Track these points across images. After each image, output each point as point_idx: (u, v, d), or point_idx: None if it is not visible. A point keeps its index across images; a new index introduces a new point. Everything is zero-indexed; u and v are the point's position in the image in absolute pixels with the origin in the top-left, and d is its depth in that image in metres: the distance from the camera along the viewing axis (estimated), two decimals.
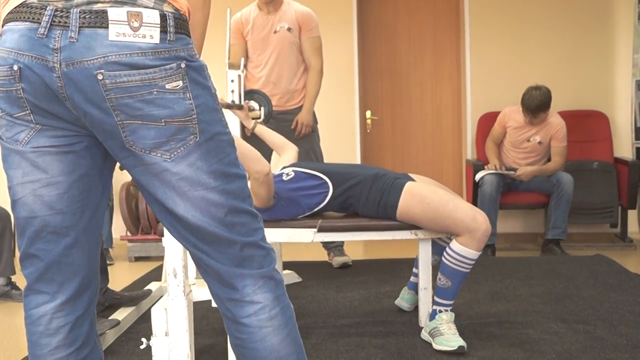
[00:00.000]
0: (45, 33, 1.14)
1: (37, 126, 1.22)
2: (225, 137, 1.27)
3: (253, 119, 3.00)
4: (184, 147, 1.20)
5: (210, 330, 2.71)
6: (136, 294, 3.05)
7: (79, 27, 1.13)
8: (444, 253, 2.45)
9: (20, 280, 3.52)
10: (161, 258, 3.90)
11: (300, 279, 3.59)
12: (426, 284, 2.63)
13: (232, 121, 2.92)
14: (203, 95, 1.22)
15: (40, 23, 1.14)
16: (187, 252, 1.56)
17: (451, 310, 2.49)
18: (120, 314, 2.83)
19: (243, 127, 2.98)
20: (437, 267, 2.56)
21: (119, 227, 4.61)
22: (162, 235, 2.29)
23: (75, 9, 1.13)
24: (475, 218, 2.37)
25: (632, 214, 4.71)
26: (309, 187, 2.57)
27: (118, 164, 1.34)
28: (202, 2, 1.36)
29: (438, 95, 5.39)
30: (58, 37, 1.13)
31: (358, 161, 5.21)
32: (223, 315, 1.35)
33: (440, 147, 5.44)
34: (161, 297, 2.84)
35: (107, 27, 1.13)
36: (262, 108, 3.03)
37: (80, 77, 1.14)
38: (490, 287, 3.35)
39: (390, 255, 4.25)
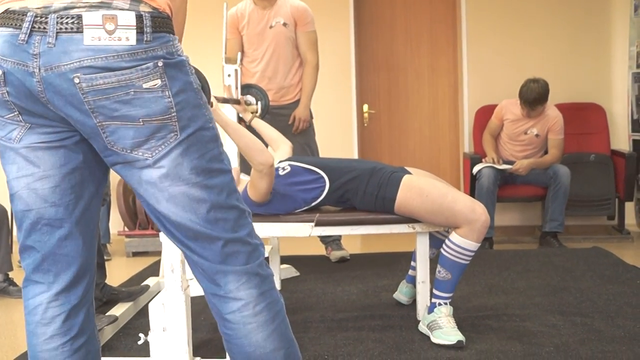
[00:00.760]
0: (26, 39, 1.15)
1: (27, 124, 1.26)
2: (208, 133, 1.26)
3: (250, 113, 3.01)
4: (165, 145, 1.21)
5: (207, 325, 2.71)
6: (134, 289, 3.05)
7: (57, 32, 1.14)
8: (444, 245, 2.45)
9: (17, 277, 3.52)
10: (158, 253, 3.90)
11: (298, 273, 3.59)
12: (424, 277, 2.63)
13: (229, 114, 2.92)
14: (184, 92, 1.22)
15: (21, 29, 1.16)
16: None
17: (450, 304, 2.49)
18: (118, 310, 2.84)
19: (239, 120, 2.98)
20: (435, 260, 2.56)
21: (116, 223, 4.62)
22: (159, 230, 2.29)
23: (53, 15, 1.15)
24: (474, 209, 2.37)
25: (629, 206, 4.72)
26: (305, 181, 2.57)
27: None
28: None
29: (435, 89, 5.38)
30: (37, 42, 1.15)
31: (355, 155, 5.21)
32: (211, 310, 1.36)
33: (438, 140, 5.43)
34: (159, 292, 2.83)
35: (82, 32, 1.14)
36: (259, 102, 3.04)
37: (58, 82, 1.16)
38: (487, 280, 3.36)
39: (388, 249, 4.26)
